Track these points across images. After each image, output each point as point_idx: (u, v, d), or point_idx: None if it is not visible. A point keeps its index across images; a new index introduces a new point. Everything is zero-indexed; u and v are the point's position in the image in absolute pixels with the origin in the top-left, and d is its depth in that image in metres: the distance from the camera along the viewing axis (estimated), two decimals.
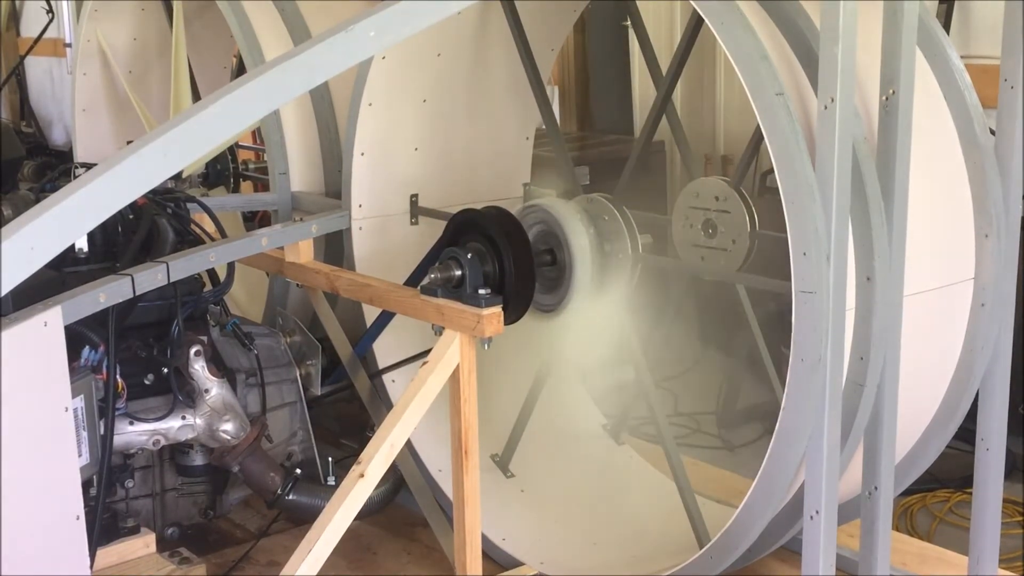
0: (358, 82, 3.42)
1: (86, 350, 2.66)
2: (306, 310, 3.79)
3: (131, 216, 3.07)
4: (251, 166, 4.82)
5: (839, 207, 2.29)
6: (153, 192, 3.05)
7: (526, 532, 3.37)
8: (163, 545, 3.07)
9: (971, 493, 2.87)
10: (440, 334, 2.76)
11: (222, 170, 4.66)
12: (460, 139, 3.71)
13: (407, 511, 3.48)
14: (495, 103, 3.75)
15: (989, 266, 2.68)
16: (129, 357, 2.91)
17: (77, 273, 2.88)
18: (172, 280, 2.84)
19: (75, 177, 2.93)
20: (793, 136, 2.32)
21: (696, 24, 3.04)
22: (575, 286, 3.11)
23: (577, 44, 6.52)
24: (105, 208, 1.99)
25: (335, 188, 3.92)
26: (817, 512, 2.39)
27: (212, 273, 3.20)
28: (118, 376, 2.73)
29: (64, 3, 7.61)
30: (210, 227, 3.30)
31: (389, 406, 3.41)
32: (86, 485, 2.60)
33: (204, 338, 2.99)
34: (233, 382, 3.08)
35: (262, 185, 4.72)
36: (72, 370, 2.40)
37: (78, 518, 2.28)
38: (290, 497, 3.09)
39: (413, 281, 3.14)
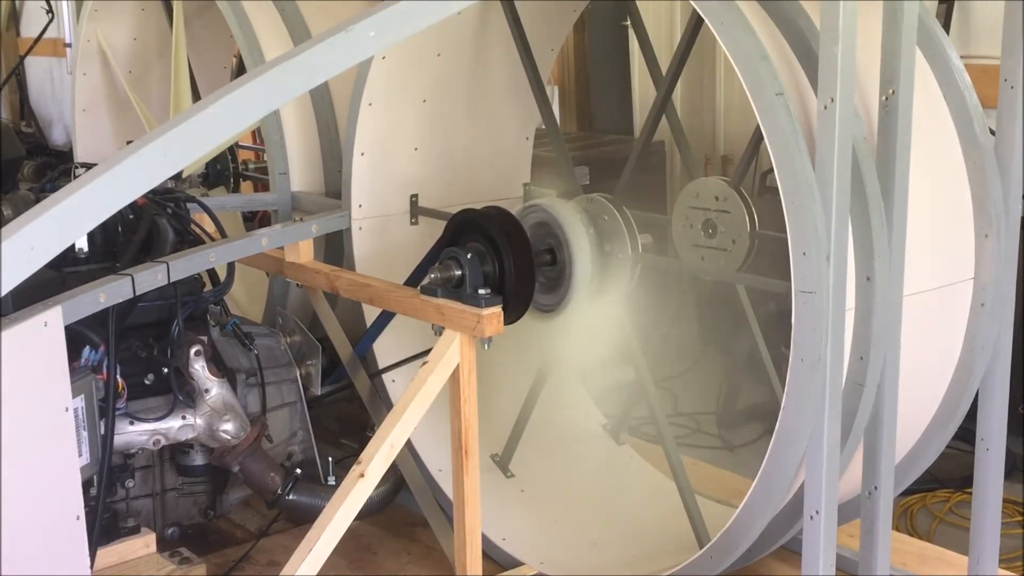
0: (358, 82, 3.42)
1: (86, 350, 2.66)
2: (306, 310, 3.79)
3: (131, 216, 3.08)
4: (251, 166, 4.82)
5: (839, 207, 2.29)
6: (153, 192, 3.05)
7: (526, 532, 3.37)
8: (163, 545, 3.07)
9: (971, 493, 2.87)
10: (440, 334, 2.76)
11: (222, 170, 4.66)
12: (460, 139, 3.71)
13: (407, 511, 3.48)
14: (495, 103, 3.75)
15: (989, 266, 2.68)
16: (129, 357, 2.91)
17: (77, 273, 2.88)
18: (172, 280, 2.84)
19: (75, 177, 2.94)
20: (793, 136, 2.32)
21: (696, 24, 3.04)
22: (575, 286, 3.11)
23: (577, 44, 6.52)
24: (105, 208, 1.99)
25: (335, 188, 3.92)
26: (817, 512, 2.39)
27: (212, 273, 3.20)
28: (118, 376, 2.73)
29: (64, 3, 7.61)
30: (210, 227, 3.30)
31: (389, 406, 3.41)
32: (86, 485, 2.60)
33: (204, 338, 2.99)
34: (233, 382, 3.08)
35: (262, 185, 4.72)
36: (72, 370, 2.40)
37: (78, 518, 2.28)
38: (290, 497, 3.09)
39: (413, 281, 3.14)
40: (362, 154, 3.48)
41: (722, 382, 4.82)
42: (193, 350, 2.94)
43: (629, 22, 4.15)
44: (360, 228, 3.53)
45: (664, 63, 3.49)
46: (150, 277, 2.79)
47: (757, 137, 3.13)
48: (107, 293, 2.67)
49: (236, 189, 4.75)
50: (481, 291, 2.75)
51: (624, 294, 3.13)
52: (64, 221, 1.94)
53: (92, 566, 2.43)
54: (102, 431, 2.64)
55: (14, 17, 8.62)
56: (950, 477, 4.01)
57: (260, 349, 3.21)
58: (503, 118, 3.79)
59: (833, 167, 2.26)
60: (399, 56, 3.40)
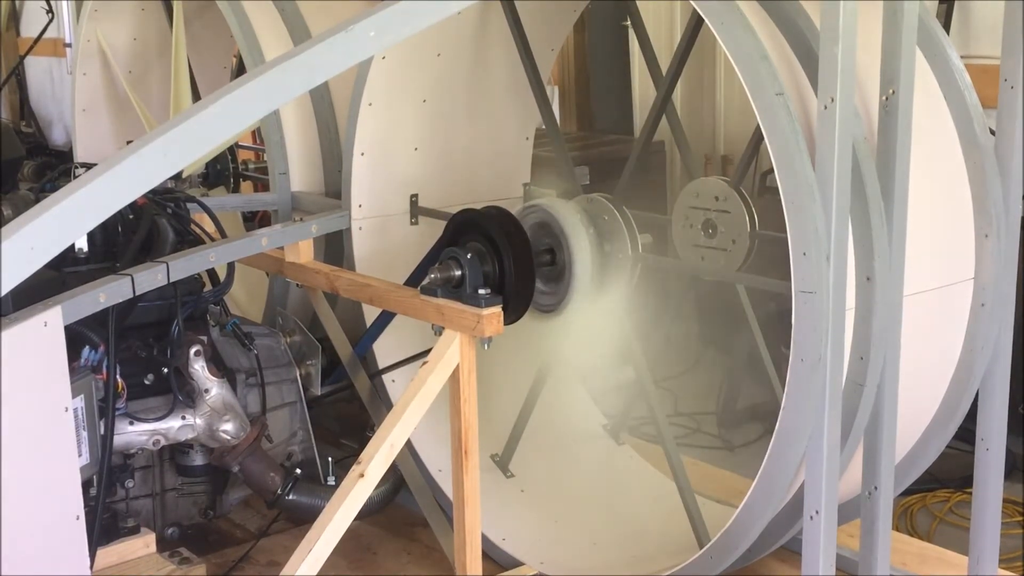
0: (358, 82, 3.42)
1: (86, 350, 2.66)
2: (306, 310, 3.79)
3: (131, 216, 3.07)
4: (251, 166, 4.82)
5: (839, 207, 2.29)
6: (153, 192, 3.05)
7: (526, 532, 3.37)
8: (163, 545, 3.07)
9: (971, 493, 2.87)
10: (440, 334, 2.76)
11: (222, 170, 4.66)
12: (460, 139, 3.71)
13: (407, 511, 3.48)
14: (495, 103, 3.75)
15: (989, 266, 2.68)
16: (129, 357, 2.91)
17: (77, 273, 2.88)
18: (172, 280, 2.84)
19: (75, 177, 2.93)
20: (793, 136, 2.32)
21: (696, 24, 3.04)
22: (575, 286, 3.11)
23: (577, 44, 6.52)
24: (105, 208, 1.99)
25: (335, 188, 3.92)
26: (817, 512, 2.39)
27: (212, 273, 3.20)
28: (118, 376, 2.73)
29: (64, 3, 7.61)
30: (210, 227, 3.30)
31: (389, 406, 3.41)
32: (86, 485, 2.60)
33: (204, 338, 2.99)
34: (233, 382, 3.08)
35: (262, 185, 4.72)
36: (72, 370, 2.40)
37: (78, 518, 2.28)
38: (290, 497, 3.09)
39: (413, 281, 3.14)
40: (362, 154, 3.48)
41: (722, 382, 4.81)
42: (193, 350, 2.94)
43: (629, 22, 4.15)
44: (360, 228, 3.53)
45: (664, 63, 3.49)
46: (150, 277, 2.79)
47: (757, 137, 3.13)
48: (107, 293, 2.67)
49: (236, 189, 4.75)
50: (481, 291, 2.75)
51: (624, 294, 3.13)
52: (64, 221, 1.94)
53: (92, 566, 2.43)
54: (102, 431, 2.64)
55: (14, 17, 8.62)
56: (950, 477, 4.01)
57: (260, 349, 3.21)
58: (503, 118, 3.79)
59: (833, 167, 2.26)
60: (399, 56, 3.40)
